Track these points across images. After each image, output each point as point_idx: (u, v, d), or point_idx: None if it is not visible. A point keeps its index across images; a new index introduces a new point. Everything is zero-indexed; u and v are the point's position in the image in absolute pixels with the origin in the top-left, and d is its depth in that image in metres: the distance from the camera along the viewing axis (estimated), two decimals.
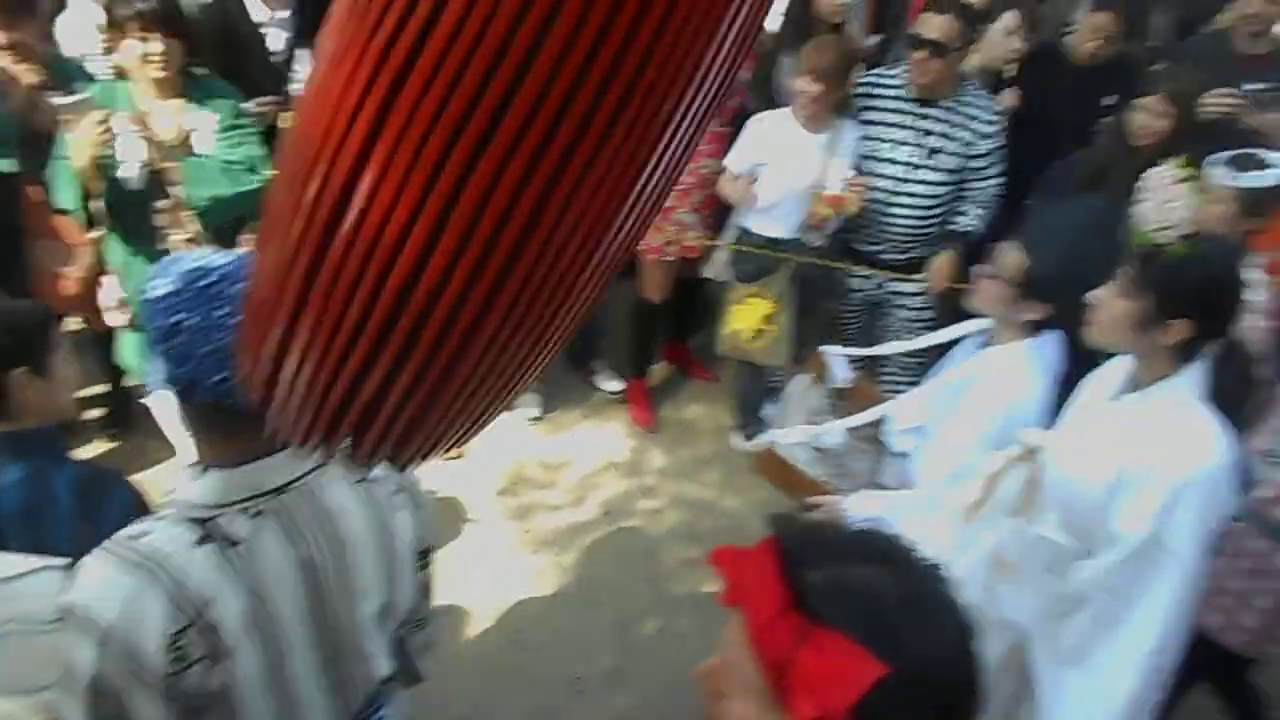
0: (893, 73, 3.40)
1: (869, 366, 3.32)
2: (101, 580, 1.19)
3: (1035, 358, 2.08)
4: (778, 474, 2.42)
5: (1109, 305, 1.77)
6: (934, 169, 3.31)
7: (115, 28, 2.72)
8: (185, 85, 2.84)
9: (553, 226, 0.73)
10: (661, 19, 0.67)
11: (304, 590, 1.31)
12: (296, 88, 3.21)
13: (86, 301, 3.25)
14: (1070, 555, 1.70)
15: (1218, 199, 2.59)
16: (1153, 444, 1.72)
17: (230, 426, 1.23)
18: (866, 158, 3.36)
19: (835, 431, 2.44)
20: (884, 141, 3.34)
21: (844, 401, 2.67)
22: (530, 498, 3.62)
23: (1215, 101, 3.20)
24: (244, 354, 0.90)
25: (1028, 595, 1.76)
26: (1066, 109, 3.59)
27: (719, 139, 3.59)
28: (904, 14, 4.54)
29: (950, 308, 3.17)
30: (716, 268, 3.76)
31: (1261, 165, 2.59)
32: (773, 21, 3.80)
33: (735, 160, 3.42)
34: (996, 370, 2.09)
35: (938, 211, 3.39)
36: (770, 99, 3.71)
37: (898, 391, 3.59)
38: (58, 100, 2.76)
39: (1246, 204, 2.58)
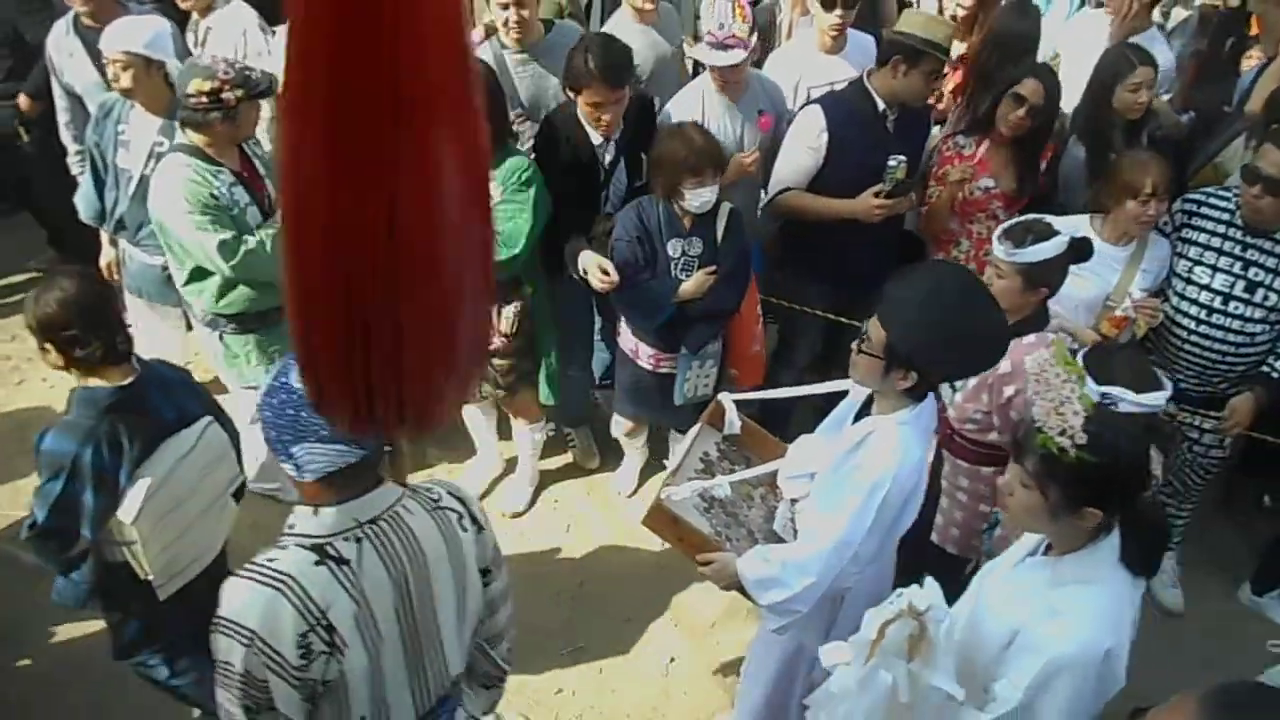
0: (1225, 193, 3.07)
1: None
2: (244, 597, 1.54)
3: (907, 432, 2.09)
4: (668, 529, 2.41)
5: (1018, 497, 1.82)
6: (1251, 304, 2.97)
7: None
8: (493, 146, 3.02)
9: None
10: None
11: (396, 597, 1.64)
12: (614, 196, 3.41)
13: None
14: (958, 705, 1.77)
15: (1000, 274, 2.55)
16: (1048, 614, 1.79)
17: (334, 481, 1.60)
18: (1177, 277, 3.07)
19: (722, 484, 2.49)
20: (1199, 264, 3.03)
21: (736, 448, 2.65)
22: None
23: None
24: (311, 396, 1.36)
25: None
26: None
27: None
28: (1224, 86, 4.11)
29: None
30: None
31: (1044, 235, 2.50)
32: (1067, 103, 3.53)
33: None
34: (869, 447, 2.12)
35: (1247, 352, 3.03)
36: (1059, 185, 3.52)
37: None
38: None
39: (1028, 277, 2.52)
